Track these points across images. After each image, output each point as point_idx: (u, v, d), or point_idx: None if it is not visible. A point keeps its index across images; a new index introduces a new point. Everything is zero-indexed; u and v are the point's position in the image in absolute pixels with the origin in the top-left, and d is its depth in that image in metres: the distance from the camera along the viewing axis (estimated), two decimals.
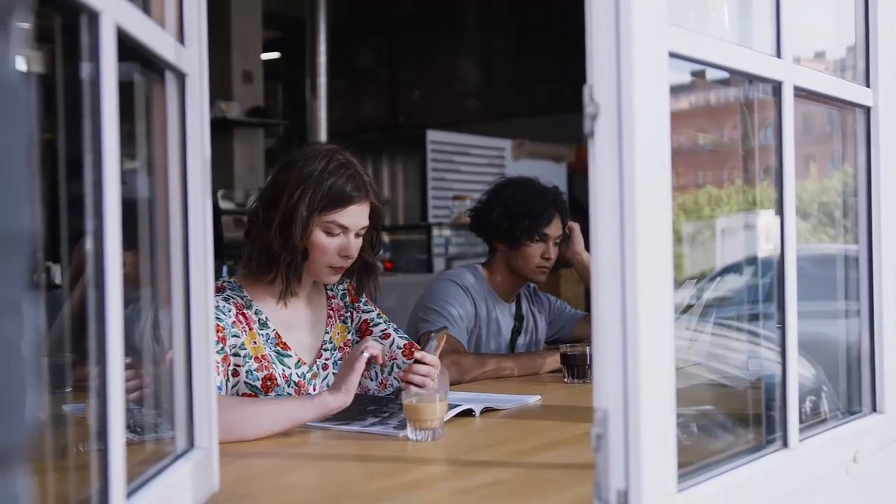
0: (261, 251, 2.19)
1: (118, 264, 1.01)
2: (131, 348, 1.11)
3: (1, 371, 0.54)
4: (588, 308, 3.77)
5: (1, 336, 0.54)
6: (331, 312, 2.37)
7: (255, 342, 2.18)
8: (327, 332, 2.34)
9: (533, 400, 2.34)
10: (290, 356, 2.23)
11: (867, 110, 1.80)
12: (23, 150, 0.57)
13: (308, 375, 2.26)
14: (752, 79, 1.55)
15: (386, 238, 7.78)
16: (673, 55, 1.24)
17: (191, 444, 1.35)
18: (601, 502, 1.17)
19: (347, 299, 2.41)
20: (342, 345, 2.36)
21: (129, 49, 1.11)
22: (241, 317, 2.18)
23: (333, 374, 2.30)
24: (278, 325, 2.24)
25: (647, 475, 1.16)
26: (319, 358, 2.30)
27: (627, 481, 1.16)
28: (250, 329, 2.19)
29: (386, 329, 2.38)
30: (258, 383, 2.16)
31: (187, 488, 1.28)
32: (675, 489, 1.23)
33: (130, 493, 1.08)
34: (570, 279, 6.76)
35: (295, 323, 2.28)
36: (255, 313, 2.22)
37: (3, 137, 0.55)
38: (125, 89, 1.07)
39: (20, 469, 0.56)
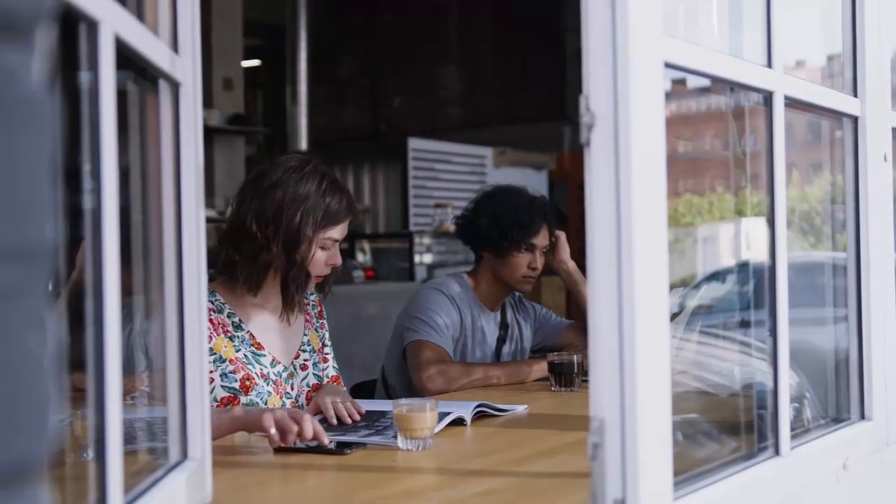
0: (260, 269, 2.25)
1: (116, 274, 1.00)
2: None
3: (26, 384, 0.54)
4: (570, 315, 3.77)
5: (25, 349, 0.54)
6: (307, 317, 2.45)
7: (225, 346, 2.23)
8: (305, 335, 2.42)
9: (521, 409, 2.34)
10: (265, 355, 2.29)
11: (855, 120, 1.81)
12: (48, 162, 0.57)
13: (285, 375, 2.32)
14: (744, 88, 1.56)
15: (367, 246, 7.77)
16: (668, 65, 1.24)
17: (184, 454, 1.35)
18: None
19: (316, 311, 2.50)
20: (318, 349, 2.45)
21: (124, 57, 1.10)
22: (208, 322, 2.19)
23: (314, 374, 2.39)
24: (253, 328, 2.30)
25: (643, 484, 1.16)
26: (297, 358, 2.38)
27: (624, 490, 1.16)
28: (219, 335, 2.23)
29: (328, 354, 2.50)
30: (236, 384, 2.21)
31: (181, 499, 1.27)
32: (671, 497, 1.23)
33: None
34: (550, 287, 6.77)
35: (272, 325, 2.34)
36: (228, 316, 2.27)
37: (30, 151, 0.55)
38: (119, 98, 1.06)
39: (43, 482, 0.56)
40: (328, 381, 2.44)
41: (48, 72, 0.61)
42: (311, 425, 1.83)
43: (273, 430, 1.81)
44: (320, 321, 2.51)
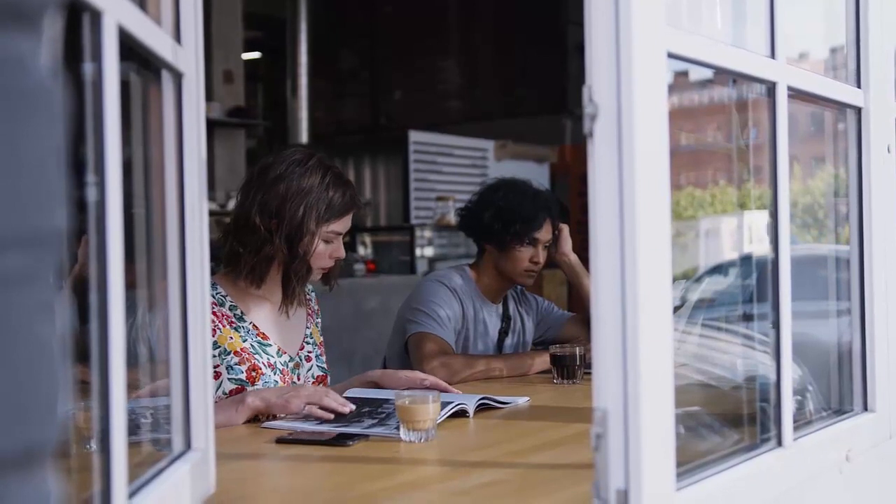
0: (263, 261, 2.26)
1: (120, 265, 1.00)
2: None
3: (35, 370, 0.54)
4: (571, 308, 3.77)
5: (34, 335, 0.54)
6: (309, 311, 2.48)
7: (231, 338, 2.25)
8: (308, 328, 2.45)
9: (523, 401, 2.34)
10: (271, 345, 2.31)
11: (858, 111, 1.81)
12: (57, 150, 0.57)
13: (291, 365, 2.35)
14: (747, 79, 1.55)
15: (368, 239, 7.77)
16: (671, 56, 1.24)
17: (188, 445, 1.35)
18: (601, 502, 1.17)
19: (315, 308, 2.53)
20: (318, 343, 2.48)
21: (127, 48, 1.10)
22: (212, 315, 2.23)
23: (317, 366, 2.43)
24: (256, 319, 2.32)
25: (646, 474, 1.16)
26: (301, 350, 2.40)
27: (627, 481, 1.16)
28: (224, 326, 2.25)
29: (321, 353, 2.50)
30: (243, 376, 2.23)
31: (185, 489, 1.28)
32: (673, 488, 1.23)
33: (131, 495, 1.07)
34: (552, 280, 6.78)
35: (274, 317, 2.36)
36: (230, 309, 2.29)
37: (39, 138, 0.56)
38: (121, 89, 1.06)
39: (51, 467, 0.56)
40: (312, 381, 2.44)
41: (55, 60, 0.61)
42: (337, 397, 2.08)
43: (306, 410, 2.03)
44: (318, 319, 2.53)
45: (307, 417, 2.06)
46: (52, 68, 0.59)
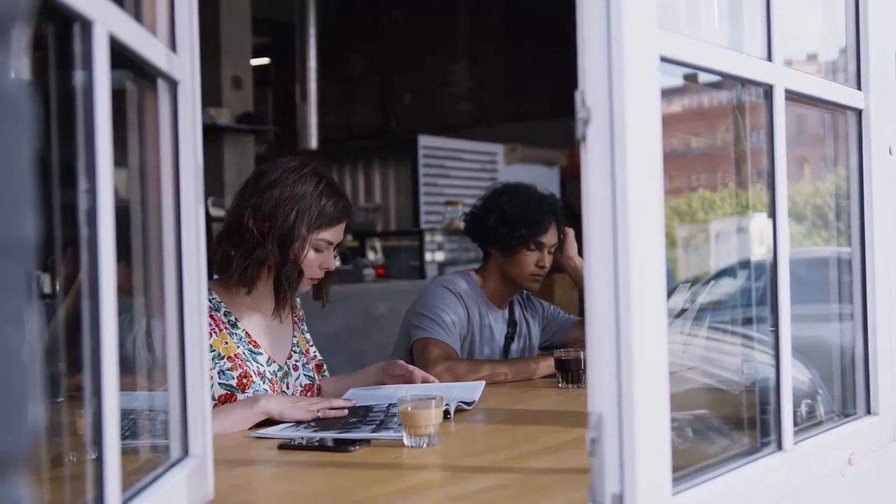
0: (255, 265, 2.27)
1: (112, 274, 1.01)
2: (124, 358, 1.10)
3: (4, 379, 0.54)
4: (582, 313, 3.77)
5: (3, 343, 0.54)
6: (296, 320, 2.50)
7: (226, 343, 2.27)
8: (294, 336, 2.47)
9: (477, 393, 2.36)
10: (262, 354, 2.33)
11: (858, 113, 1.80)
12: (24, 158, 0.58)
13: (280, 374, 2.36)
14: (743, 82, 1.55)
15: (378, 244, 7.78)
16: (664, 59, 1.24)
17: (185, 451, 1.35)
18: None
19: (301, 314, 2.56)
20: (304, 352, 2.49)
21: (121, 56, 1.11)
22: (208, 319, 2.24)
23: (304, 374, 2.44)
24: (248, 327, 2.34)
25: (641, 479, 1.16)
26: (290, 359, 2.42)
27: (622, 485, 1.16)
28: (220, 331, 2.27)
29: (307, 361, 2.50)
30: (234, 382, 2.24)
31: (182, 496, 1.28)
32: (669, 493, 1.23)
33: (126, 502, 1.07)
34: (563, 284, 6.77)
35: (264, 325, 2.38)
36: (225, 315, 2.31)
37: (5, 146, 0.56)
38: (116, 97, 1.06)
39: (21, 476, 0.56)
40: (315, 370, 2.48)
41: (26, 70, 0.61)
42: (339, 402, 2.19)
43: (321, 414, 2.11)
44: (303, 325, 2.55)
45: (298, 425, 2.07)
46: (21, 78, 0.59)
